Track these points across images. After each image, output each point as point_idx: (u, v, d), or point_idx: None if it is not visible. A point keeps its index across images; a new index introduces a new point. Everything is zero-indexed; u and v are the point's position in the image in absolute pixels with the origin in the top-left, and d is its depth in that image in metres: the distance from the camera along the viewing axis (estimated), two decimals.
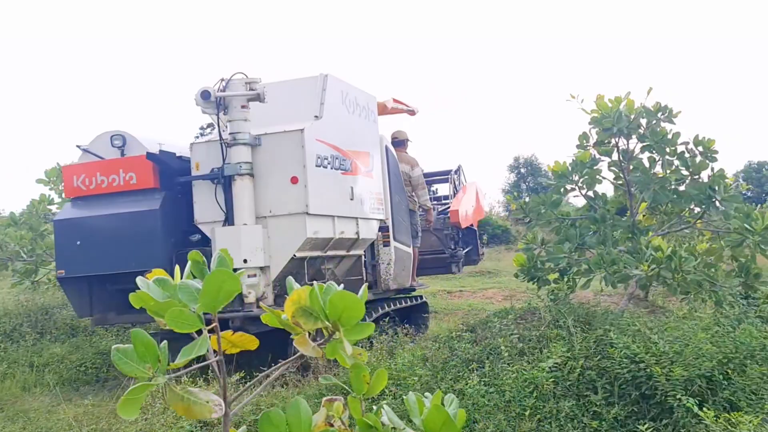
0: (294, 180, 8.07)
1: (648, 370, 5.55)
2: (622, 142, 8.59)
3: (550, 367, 5.86)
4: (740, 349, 5.74)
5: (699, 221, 8.73)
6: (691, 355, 5.67)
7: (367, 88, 9.83)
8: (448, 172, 14.72)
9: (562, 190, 8.86)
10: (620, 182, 8.85)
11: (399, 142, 10.98)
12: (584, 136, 8.67)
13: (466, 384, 5.82)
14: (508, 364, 6.13)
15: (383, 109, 10.59)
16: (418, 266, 11.60)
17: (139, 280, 1.68)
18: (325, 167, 8.45)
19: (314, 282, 1.74)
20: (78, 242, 8.40)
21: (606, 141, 8.55)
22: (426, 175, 13.51)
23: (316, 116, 8.49)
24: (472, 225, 13.70)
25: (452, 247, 13.22)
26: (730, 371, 5.55)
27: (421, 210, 11.34)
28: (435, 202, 13.80)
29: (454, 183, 14.44)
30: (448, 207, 13.44)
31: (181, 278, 1.73)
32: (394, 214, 10.20)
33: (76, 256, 8.40)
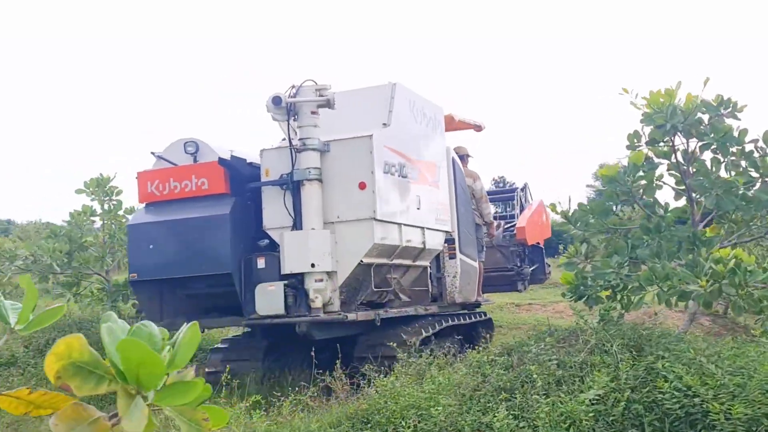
0: (362, 185, 7.98)
1: (704, 405, 4.74)
2: (680, 142, 7.43)
3: (590, 400, 5.04)
4: None
5: None
6: (756, 390, 4.76)
7: (434, 99, 9.60)
8: (514, 190, 14.43)
9: (613, 196, 7.58)
10: (682, 187, 7.66)
11: (460, 157, 10.78)
12: (635, 135, 7.47)
13: (494, 417, 5.05)
14: (541, 394, 5.30)
15: (450, 122, 10.41)
16: (483, 283, 11.25)
17: None
18: (393, 174, 8.36)
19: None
20: (150, 246, 8.39)
21: (661, 140, 7.39)
22: (492, 193, 13.18)
23: (384, 123, 8.45)
24: (538, 243, 13.28)
25: (518, 264, 12.84)
26: None
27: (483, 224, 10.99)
28: (501, 220, 13.43)
29: (521, 201, 14.08)
30: (514, 224, 13.07)
31: None
32: (460, 226, 9.97)
33: (148, 260, 8.41)
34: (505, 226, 13.13)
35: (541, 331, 7.13)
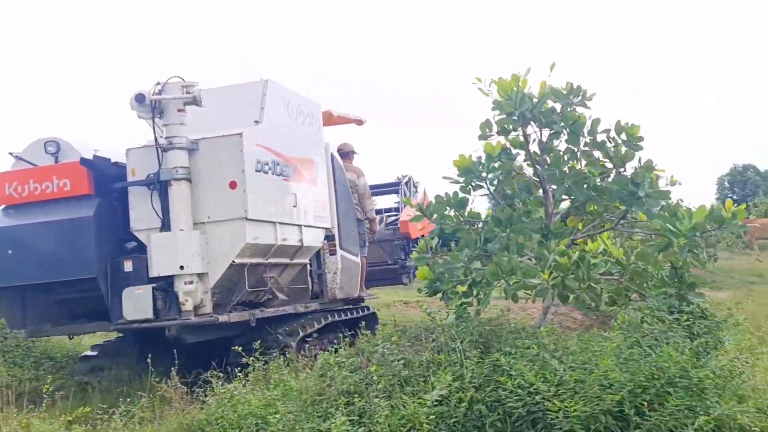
0: (233, 185, 7.70)
1: (545, 403, 4.58)
2: (534, 131, 7.09)
3: (433, 401, 4.78)
4: (658, 377, 4.75)
5: (623, 221, 7.36)
6: (596, 385, 4.64)
7: (311, 96, 9.42)
8: (398, 183, 14.28)
9: (468, 188, 7.29)
10: (537, 178, 7.36)
11: (345, 153, 10.66)
12: (486, 124, 7.08)
13: (332, 423, 4.74)
14: (382, 397, 4.97)
15: (329, 118, 10.19)
16: (368, 277, 11.14)
17: None
18: (266, 173, 8.11)
19: None
20: (9, 251, 7.91)
21: (512, 129, 7.03)
22: (376, 187, 13.04)
23: (256, 121, 8.19)
24: (423, 236, 13.21)
25: (402, 257, 12.76)
26: (645, 404, 4.61)
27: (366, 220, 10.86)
28: (385, 213, 13.32)
29: (405, 194, 13.94)
30: (398, 218, 12.98)
31: None
32: (340, 222, 9.79)
33: (7, 266, 7.91)
34: (388, 221, 13.04)
35: (395, 330, 6.83)
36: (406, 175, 14.63)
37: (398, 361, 5.43)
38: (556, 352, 5.31)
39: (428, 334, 5.97)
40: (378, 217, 11.62)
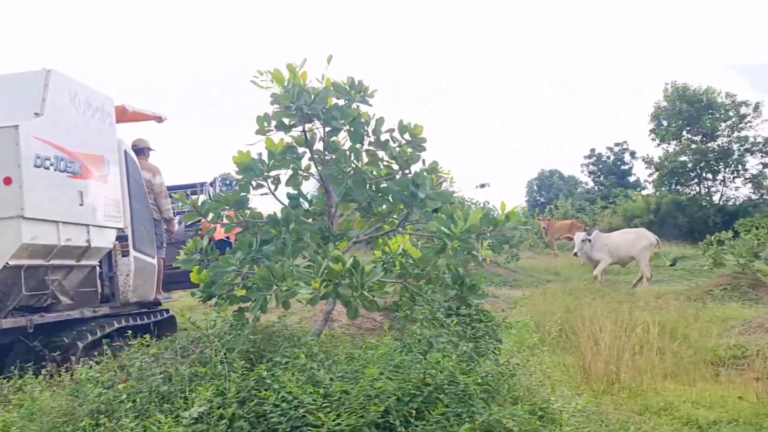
0: (7, 181, 7.14)
1: (309, 417, 4.25)
2: (317, 128, 6.58)
3: (191, 419, 4.28)
4: (429, 383, 4.56)
5: (407, 223, 6.96)
6: (361, 395, 4.36)
7: (103, 90, 8.86)
8: (203, 184, 13.79)
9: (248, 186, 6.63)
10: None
11: (139, 150, 10.10)
12: (265, 118, 6.46)
13: None
14: (133, 416, 4.41)
15: (123, 114, 9.62)
16: (169, 280, 10.68)
17: None
18: (47, 168, 7.57)
19: None
20: None
21: (290, 124, 6.44)
22: (179, 187, 12.58)
23: (36, 113, 7.59)
24: (228, 237, 12.80)
25: None
26: (413, 413, 4.38)
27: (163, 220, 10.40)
28: (188, 213, 12.81)
29: (209, 195, 13.47)
30: (200, 219, 12.47)
31: None
32: (134, 222, 9.31)
33: None
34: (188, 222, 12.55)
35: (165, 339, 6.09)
36: (219, 174, 14.15)
37: (158, 375, 4.93)
38: (326, 361, 5.04)
39: (195, 345, 5.43)
40: (177, 218, 11.15)
